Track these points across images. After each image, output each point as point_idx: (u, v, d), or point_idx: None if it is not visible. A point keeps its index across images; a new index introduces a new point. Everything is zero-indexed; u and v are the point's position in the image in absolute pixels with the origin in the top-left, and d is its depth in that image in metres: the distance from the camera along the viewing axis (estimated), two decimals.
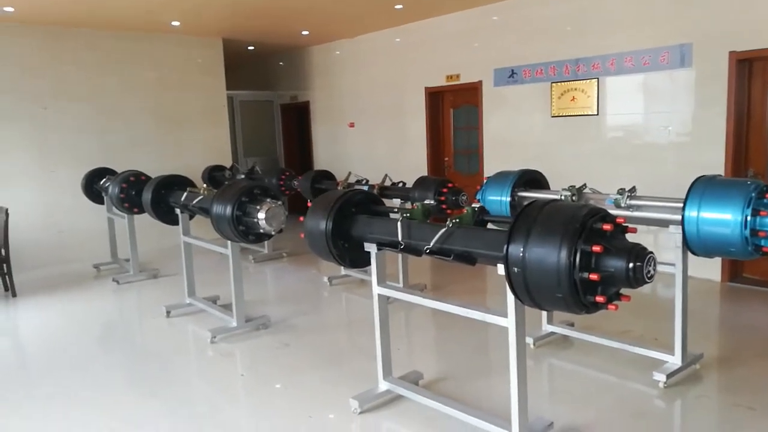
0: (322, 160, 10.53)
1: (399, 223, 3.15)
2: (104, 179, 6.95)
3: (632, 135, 6.27)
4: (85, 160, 7.64)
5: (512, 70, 7.25)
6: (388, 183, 5.74)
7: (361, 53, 9.41)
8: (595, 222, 2.34)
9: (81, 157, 7.72)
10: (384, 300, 3.50)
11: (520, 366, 2.80)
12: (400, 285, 5.62)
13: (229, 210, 4.21)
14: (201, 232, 5.98)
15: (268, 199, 4.20)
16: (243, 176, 7.72)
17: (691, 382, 3.69)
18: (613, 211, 3.74)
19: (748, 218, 3.10)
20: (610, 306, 2.38)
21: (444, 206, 5.02)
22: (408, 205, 5.18)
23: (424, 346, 4.70)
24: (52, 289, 6.56)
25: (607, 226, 2.32)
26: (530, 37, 7.02)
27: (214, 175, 8.21)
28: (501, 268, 2.63)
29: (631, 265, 2.28)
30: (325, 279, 6.25)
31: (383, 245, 3.26)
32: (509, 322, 2.76)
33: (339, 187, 6.03)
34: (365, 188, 5.82)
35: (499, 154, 7.53)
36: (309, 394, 3.73)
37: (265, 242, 7.49)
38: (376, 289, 3.45)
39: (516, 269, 2.45)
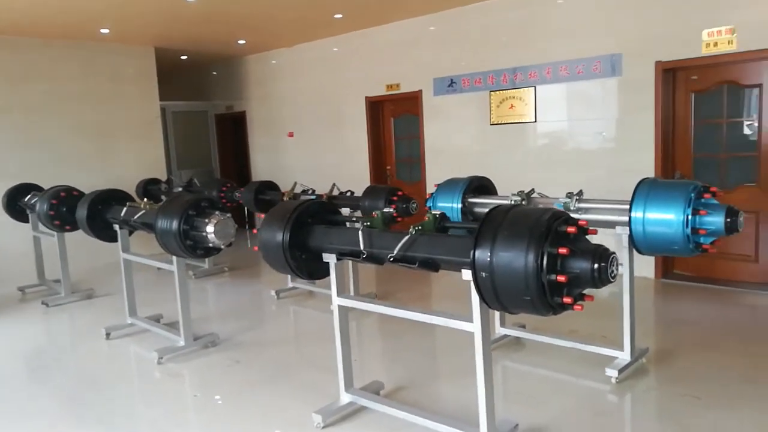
0: (260, 171, 10.33)
1: (360, 233, 3.12)
2: (30, 195, 6.52)
3: (567, 141, 6.52)
4: (5, 175, 7.14)
5: (451, 80, 7.38)
6: (336, 192, 5.69)
7: (299, 63, 9.32)
8: (559, 225, 2.40)
9: (0, 173, 7.22)
10: (344, 311, 3.45)
11: (487, 370, 2.82)
12: (352, 295, 5.57)
13: (175, 224, 4.04)
14: (136, 248, 5.70)
15: (217, 212, 4.06)
16: (180, 189, 7.45)
17: (640, 375, 3.85)
18: None
19: (689, 217, 3.27)
20: (575, 306, 2.44)
21: (395, 214, 5.02)
22: (357, 215, 5.18)
23: (379, 355, 4.68)
24: None
25: (571, 229, 2.38)
26: (469, 47, 7.18)
27: (149, 188, 7.89)
28: (466, 274, 2.65)
29: (595, 265, 2.35)
30: (272, 293, 6.11)
31: (344, 255, 3.22)
32: (474, 326, 2.78)
33: (284, 198, 5.93)
34: (313, 198, 5.75)
35: (441, 163, 7.63)
36: (267, 411, 3.62)
37: (205, 258, 7.26)
38: (336, 300, 3.40)
39: (484, 274, 2.47)
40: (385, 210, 3.26)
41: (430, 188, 7.43)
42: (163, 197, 7.76)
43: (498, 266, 2.43)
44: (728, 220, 3.27)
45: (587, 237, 2.53)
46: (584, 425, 3.27)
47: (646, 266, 6.04)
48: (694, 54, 5.53)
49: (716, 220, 3.28)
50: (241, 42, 8.80)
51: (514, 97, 6.84)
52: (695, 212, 3.28)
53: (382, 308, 3.27)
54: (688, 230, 3.29)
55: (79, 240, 6.39)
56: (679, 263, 6.10)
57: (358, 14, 7.31)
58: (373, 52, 8.22)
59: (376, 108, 8.48)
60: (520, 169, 6.78)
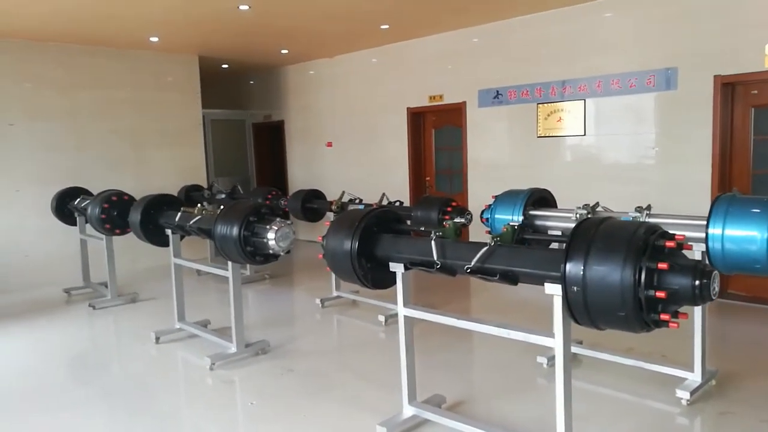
0: (297, 179, 10.36)
1: (433, 242, 3.06)
2: (79, 199, 6.60)
3: (617, 155, 6.40)
4: (52, 179, 7.24)
5: (497, 91, 7.33)
6: (385, 202, 5.65)
7: (340, 73, 9.36)
8: (656, 239, 2.32)
9: (48, 177, 7.33)
10: (410, 322, 3.39)
11: (567, 387, 2.73)
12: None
13: (236, 230, 4.02)
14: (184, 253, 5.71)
15: (278, 219, 4.04)
16: (224, 196, 7.48)
17: (709, 398, 3.71)
18: None
19: None
20: (671, 324, 2.35)
21: (445, 225, 4.95)
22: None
23: (435, 367, 4.59)
24: (20, 316, 6.13)
25: (670, 243, 2.30)
26: (515, 59, 7.12)
27: (191, 194, 7.93)
28: (549, 287, 2.58)
29: (697, 282, 2.26)
30: (317, 301, 6.08)
31: (415, 265, 3.16)
32: (557, 342, 2.70)
33: (333, 207, 5.91)
34: (361, 207, 5.71)
35: (483, 175, 7.56)
36: (329, 422, 3.56)
37: (247, 265, 7.26)
38: (402, 311, 3.35)
39: (575, 288, 2.40)
40: (457, 220, 3.20)
41: (473, 200, 7.42)
42: (206, 203, 7.79)
43: (592, 280, 2.35)
44: None
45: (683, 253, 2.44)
46: None
47: None
48: (755, 68, 5.40)
49: None
50: (284, 52, 8.85)
51: (562, 110, 6.75)
52: None
53: (456, 321, 3.19)
54: None
55: (122, 244, 6.46)
56: (734, 283, 5.93)
57: (403, 26, 7.31)
58: (416, 64, 8.21)
59: (417, 119, 8.45)
60: (566, 183, 6.65)
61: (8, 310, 6.36)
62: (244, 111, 11.18)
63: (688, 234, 3.57)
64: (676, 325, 2.36)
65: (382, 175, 8.79)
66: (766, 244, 3.15)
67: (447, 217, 4.98)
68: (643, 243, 2.30)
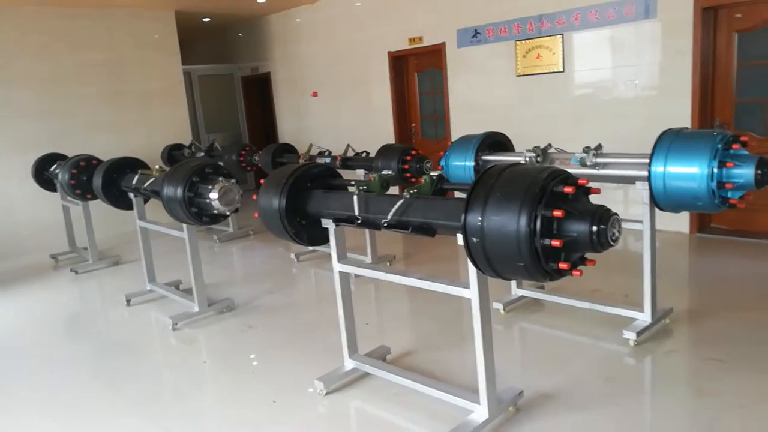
0: (286, 132, 10.24)
1: (355, 197, 2.98)
2: (55, 165, 6.62)
3: (599, 91, 6.14)
4: (34, 145, 7.24)
5: (475, 30, 7.03)
6: (351, 153, 5.54)
7: (322, 20, 9.06)
8: (556, 185, 2.21)
9: (29, 143, 7.33)
10: (345, 277, 3.35)
11: (486, 338, 2.69)
12: (368, 258, 5.49)
13: (180, 191, 3.99)
14: (159, 216, 5.72)
15: (221, 178, 3.98)
16: (202, 154, 7.44)
17: (662, 337, 3.64)
18: (580, 171, 3.64)
19: (715, 170, 3.00)
20: (574, 272, 2.26)
21: (408, 174, 4.86)
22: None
23: (393, 319, 4.59)
24: (7, 282, 6.27)
25: (568, 189, 2.18)
26: None
27: (173, 154, 7.91)
28: (461, 239, 2.50)
29: (594, 228, 2.16)
30: (293, 255, 6.08)
31: (340, 221, 3.10)
32: (472, 293, 2.64)
33: (300, 160, 5.82)
34: (328, 160, 5.63)
35: (466, 118, 7.35)
36: (275, 378, 3.60)
37: (230, 221, 7.29)
38: (337, 266, 3.30)
39: (474, 239, 2.31)
40: (384, 173, 3.10)
41: None
42: (162, 165, 7.78)
43: (489, 231, 2.26)
44: (759, 172, 2.98)
45: (589, 197, 2.32)
46: (594, 390, 3.11)
47: (681, 221, 5.72)
48: None
49: (745, 173, 3.00)
50: (260, 0, 8.57)
51: (540, 47, 6.46)
52: (722, 165, 3.00)
53: (379, 274, 3.15)
54: (714, 184, 3.01)
55: (106, 208, 6.47)
56: (717, 217, 5.75)
57: None
58: (395, 5, 7.89)
59: (399, 63, 8.20)
60: (550, 123, 6.46)
61: None
62: (232, 65, 10.98)
63: (635, 173, 3.44)
64: (579, 273, 2.27)
65: (368, 123, 8.62)
66: (706, 180, 3.00)
67: (407, 166, 4.87)
68: (540, 190, 2.18)
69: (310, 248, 6.15)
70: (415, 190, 2.80)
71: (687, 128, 3.31)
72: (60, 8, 7.57)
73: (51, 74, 7.67)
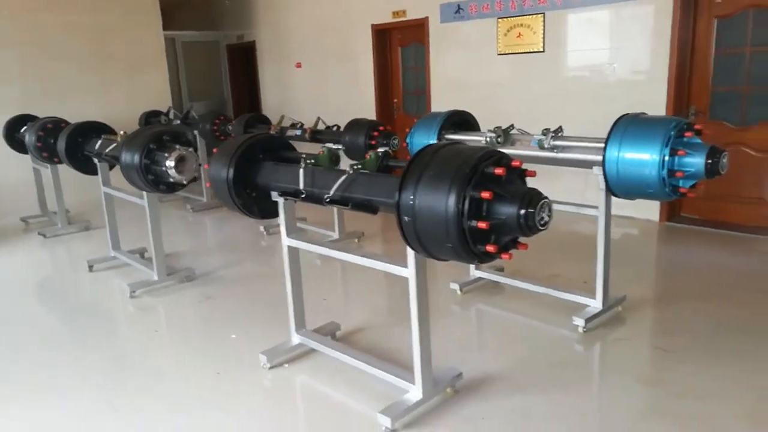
0: (270, 103, 10.11)
1: (301, 171, 2.93)
2: (25, 127, 6.50)
3: (578, 73, 6.06)
4: (5, 108, 7.10)
5: (458, 6, 6.90)
6: (321, 126, 5.47)
7: None
8: (487, 166, 2.16)
9: (2, 105, 7.20)
10: (294, 252, 3.32)
11: (422, 318, 2.67)
12: (336, 234, 5.46)
13: (137, 158, 3.93)
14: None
15: (178, 146, 3.92)
16: (178, 121, 7.34)
17: (614, 325, 3.64)
18: (538, 153, 3.60)
19: (666, 158, 2.96)
20: (503, 255, 2.24)
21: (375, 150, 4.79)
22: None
23: (352, 296, 4.59)
24: None
25: (499, 170, 2.14)
26: None
27: (150, 120, 7.79)
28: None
29: (522, 211, 2.12)
30: (262, 228, 6.04)
31: (286, 194, 3.05)
32: (409, 272, 2.61)
33: (271, 131, 5.74)
34: (298, 132, 5.55)
35: (447, 95, 7.26)
36: (224, 350, 3.59)
37: (205, 190, 7.23)
38: (285, 241, 3.28)
39: (407, 218, 2.28)
40: (332, 146, 3.04)
41: None
42: (124, 132, 7.66)
43: (420, 210, 2.22)
44: (709, 161, 2.94)
45: (525, 180, 2.29)
46: (537, 375, 3.11)
47: (651, 209, 5.69)
48: None
49: (696, 162, 2.96)
50: None
51: (522, 25, 6.35)
52: (673, 152, 2.96)
53: (323, 249, 3.12)
54: (664, 172, 2.98)
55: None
56: (687, 206, 5.73)
57: None
58: None
59: (382, 37, 8.06)
60: (530, 103, 6.38)
61: None
62: (217, 32, 10.79)
63: (592, 158, 3.39)
64: (508, 256, 2.25)
65: (351, 96, 8.51)
66: (657, 168, 2.96)
67: (373, 141, 4.81)
68: (470, 170, 2.14)
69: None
70: (359, 166, 2.75)
71: (644, 114, 3.25)
72: None
73: (27, 36, 7.51)
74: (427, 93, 7.54)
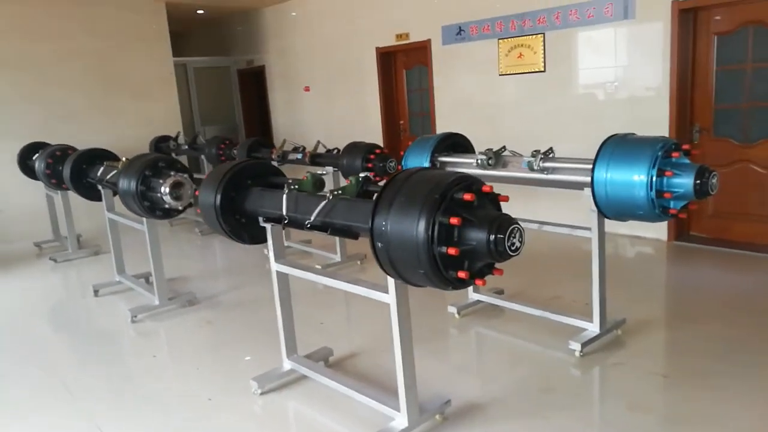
0: (281, 126, 10.24)
1: (284, 196, 2.95)
2: (37, 155, 6.66)
3: (578, 92, 6.03)
4: (19, 135, 7.27)
5: (460, 27, 6.94)
6: (322, 150, 5.51)
7: (314, 13, 9.02)
8: (457, 191, 2.15)
9: (15, 133, 7.38)
10: (283, 277, 3.33)
11: (404, 344, 2.65)
12: (338, 256, 5.47)
13: (133, 185, 4.00)
14: None
15: (172, 173, 3.98)
16: (186, 146, 7.45)
17: (612, 349, 3.56)
18: (527, 175, 3.57)
19: (654, 179, 2.91)
20: (477, 281, 2.21)
21: (372, 173, 4.79)
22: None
23: (348, 320, 4.56)
24: None
25: (467, 196, 2.13)
26: None
27: (160, 146, 7.94)
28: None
29: (492, 237, 2.10)
30: (265, 251, 6.04)
31: (270, 220, 3.07)
32: (390, 298, 2.60)
33: (273, 156, 5.81)
34: (299, 156, 5.60)
35: (451, 116, 7.28)
36: (217, 375, 3.59)
37: None
38: (274, 266, 3.29)
39: (380, 244, 2.27)
40: (318, 172, 3.06)
41: None
42: (173, 154, 7.82)
43: (392, 236, 2.22)
44: (698, 182, 2.89)
45: (498, 204, 2.27)
46: (530, 401, 3.05)
47: (659, 228, 5.60)
48: None
49: (684, 182, 2.91)
50: None
51: (522, 45, 6.36)
52: (660, 173, 2.91)
53: (310, 275, 3.12)
54: (653, 193, 2.93)
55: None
56: (696, 224, 5.62)
57: None
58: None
59: (387, 60, 8.14)
60: (531, 123, 6.37)
61: None
62: (228, 57, 10.99)
63: (582, 179, 3.36)
64: (481, 282, 2.23)
65: (358, 119, 8.59)
66: (645, 189, 2.92)
67: (370, 165, 4.83)
68: (440, 196, 2.13)
69: (285, 244, 6.13)
70: (339, 191, 2.76)
71: (633, 134, 3.22)
72: None
73: (41, 63, 7.73)
74: (432, 114, 7.56)
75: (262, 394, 3.27)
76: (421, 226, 2.12)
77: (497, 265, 2.28)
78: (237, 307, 4.79)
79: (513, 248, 2.12)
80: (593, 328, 3.57)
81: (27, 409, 3.34)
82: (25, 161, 6.90)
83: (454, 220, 2.08)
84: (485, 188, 2.20)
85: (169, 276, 5.32)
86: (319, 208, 2.75)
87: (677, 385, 3.11)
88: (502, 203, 2.29)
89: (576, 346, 3.43)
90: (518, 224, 2.14)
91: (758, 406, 2.84)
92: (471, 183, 2.20)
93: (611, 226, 5.51)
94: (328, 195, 2.74)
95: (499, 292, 4.36)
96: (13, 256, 6.86)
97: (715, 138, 5.35)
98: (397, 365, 2.67)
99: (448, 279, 2.18)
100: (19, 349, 4.21)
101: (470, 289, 4.26)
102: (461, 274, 2.15)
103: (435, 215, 2.11)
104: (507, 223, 2.12)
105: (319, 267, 5.25)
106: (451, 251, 2.08)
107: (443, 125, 7.35)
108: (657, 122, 5.37)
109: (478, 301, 4.25)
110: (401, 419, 2.73)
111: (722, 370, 3.20)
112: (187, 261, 6.35)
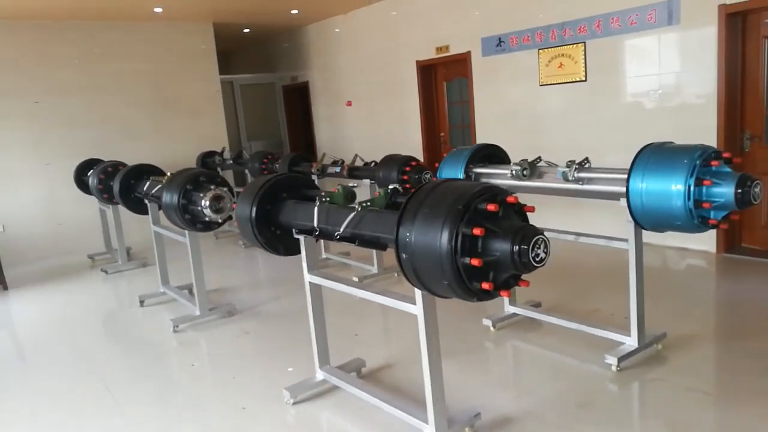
0: (324, 141, 10.39)
1: (316, 209, 3.00)
2: (91, 171, 6.98)
3: (621, 101, 5.90)
4: (78, 152, 7.66)
5: (499, 39, 6.91)
6: (359, 163, 5.57)
7: (355, 29, 9.17)
8: (480, 202, 2.15)
9: (75, 150, 7.77)
10: (316, 288, 3.38)
11: (432, 356, 2.64)
12: (375, 267, 5.50)
13: (175, 198, 4.14)
14: None
15: (213, 186, 4.10)
16: (231, 161, 7.66)
17: (652, 364, 3.45)
18: (563, 185, 3.52)
19: (692, 188, 2.82)
20: (502, 292, 2.19)
21: (408, 185, 4.83)
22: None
23: (383, 331, 4.57)
24: (45, 281, 6.68)
25: (491, 207, 2.12)
26: (515, 2, 6.67)
27: (206, 161, 8.19)
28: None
29: (516, 248, 2.08)
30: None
31: (303, 232, 3.13)
32: (417, 309, 2.60)
33: (313, 170, 5.90)
34: (338, 169, 5.68)
35: (491, 128, 7.23)
36: (253, 385, 3.66)
37: None
38: (307, 277, 3.34)
39: (404, 255, 2.28)
40: (349, 185, 3.10)
41: None
42: (219, 169, 8.06)
43: (416, 247, 2.23)
44: (739, 191, 2.78)
45: (525, 215, 2.25)
46: (563, 414, 2.98)
47: (708, 239, 5.39)
48: None
49: (725, 192, 2.81)
50: (294, 12, 8.78)
51: (563, 55, 6.28)
52: (699, 182, 2.82)
53: (342, 287, 3.15)
54: (691, 203, 2.84)
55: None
56: (748, 236, 5.39)
57: None
58: (422, 13, 7.88)
59: (427, 72, 8.17)
60: (573, 134, 6.26)
61: (37, 275, 6.93)
62: (273, 74, 11.26)
63: (617, 189, 3.28)
64: (506, 293, 2.20)
65: (399, 132, 8.64)
66: (683, 199, 2.83)
67: (406, 177, 4.85)
68: (463, 207, 2.13)
69: (324, 255, 6.23)
70: (368, 203, 2.78)
71: (671, 142, 3.13)
72: (97, 21, 8.01)
73: (90, 84, 8.11)
74: (472, 126, 7.54)
75: (294, 403, 3.31)
76: (445, 236, 2.12)
77: (524, 277, 2.25)
78: (275, 317, 4.88)
79: (537, 259, 2.10)
80: (631, 342, 3.46)
81: (71, 413, 3.49)
82: (80, 177, 7.24)
83: (477, 231, 2.07)
84: (510, 199, 2.18)
85: (211, 287, 5.50)
86: (348, 219, 2.78)
87: (718, 403, 2.99)
88: (533, 214, 2.26)
89: (613, 361, 3.34)
90: (543, 235, 2.11)
91: None
92: (496, 194, 2.19)
93: (658, 238, 5.41)
94: (357, 207, 2.77)
95: (537, 305, 4.29)
96: (69, 267, 7.18)
97: (766, 146, 5.13)
98: (425, 377, 2.67)
99: (472, 290, 2.17)
100: (67, 356, 4.40)
101: (506, 301, 4.21)
102: (485, 286, 2.13)
103: (458, 226, 2.10)
104: (531, 233, 2.10)
105: (356, 279, 5.31)
106: (475, 262, 2.08)
107: (483, 137, 7.30)
108: (705, 130, 5.19)
109: (515, 314, 4.19)
110: (429, 431, 2.71)
111: (764, 389, 3.05)
112: (230, 272, 6.50)
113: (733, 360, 3.44)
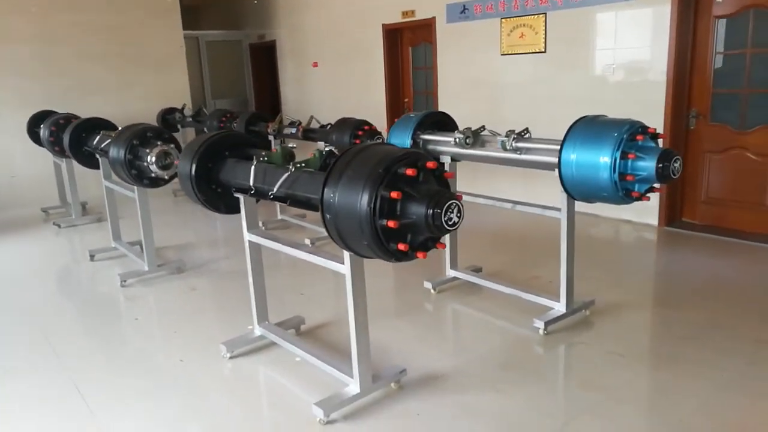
0: (289, 101, 10.30)
1: (252, 168, 3.03)
2: (43, 123, 6.82)
3: (578, 74, 5.97)
4: (33, 105, 7.45)
5: (464, 6, 6.89)
6: (315, 125, 5.57)
7: None
8: (401, 167, 2.21)
9: (28, 101, 7.57)
10: (256, 247, 3.42)
11: (359, 314, 2.73)
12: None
13: (122, 153, 4.11)
14: None
15: (159, 143, 4.08)
16: (190, 119, 7.57)
17: (578, 329, 3.61)
18: (502, 154, 3.60)
19: (617, 161, 2.93)
20: (418, 254, 2.28)
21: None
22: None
23: (330, 291, 4.66)
24: None
25: (409, 171, 2.18)
26: None
27: (167, 118, 8.07)
28: None
29: (429, 212, 2.16)
30: (260, 224, 6.17)
31: (240, 190, 3.16)
32: (345, 269, 2.67)
33: (269, 130, 5.88)
34: (293, 130, 5.67)
35: (454, 96, 7.26)
36: (193, 339, 3.72)
37: None
38: (246, 236, 3.38)
39: (328, 215, 2.34)
40: (287, 145, 3.13)
41: None
42: (179, 126, 7.95)
43: (339, 208, 2.29)
44: (660, 165, 2.90)
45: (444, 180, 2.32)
46: (486, 374, 3.13)
47: (650, 213, 5.58)
48: None
49: (647, 165, 2.92)
50: None
51: (524, 25, 6.30)
52: (624, 155, 2.93)
53: (279, 246, 3.20)
54: (616, 175, 2.95)
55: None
56: (689, 210, 5.59)
57: None
58: None
59: (393, 37, 8.11)
60: (531, 104, 6.33)
61: None
62: (240, 31, 11.05)
63: (552, 159, 3.37)
64: (423, 255, 2.29)
65: (363, 96, 8.60)
66: (609, 171, 2.94)
67: (358, 141, 4.88)
68: (384, 170, 2.19)
69: (279, 217, 6.27)
70: (303, 164, 2.82)
71: (604, 116, 3.22)
72: None
73: (52, 34, 7.88)
74: (434, 93, 7.56)
75: (231, 357, 3.39)
76: (365, 199, 2.18)
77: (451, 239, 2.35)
78: (224, 276, 4.93)
79: (450, 223, 2.18)
80: (560, 307, 3.62)
81: (7, 366, 3.51)
82: (33, 129, 7.08)
83: (394, 194, 2.14)
84: (429, 164, 2.24)
85: (165, 244, 5.52)
86: (282, 179, 2.82)
87: (631, 365, 3.16)
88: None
89: (540, 324, 3.49)
90: (456, 200, 2.19)
91: (703, 392, 2.87)
92: (416, 159, 2.25)
93: (602, 209, 5.55)
94: (290, 167, 2.81)
95: (478, 270, 4.41)
96: (22, 220, 7.08)
97: (712, 124, 5.28)
98: (351, 334, 2.76)
99: (390, 251, 2.25)
100: (12, 308, 4.40)
101: (448, 265, 4.32)
102: (401, 246, 2.21)
103: (378, 189, 2.17)
104: (445, 198, 2.17)
105: (308, 240, 5.38)
106: (391, 224, 2.15)
107: (446, 104, 7.33)
108: (654, 106, 5.31)
109: (455, 278, 4.31)
110: (354, 386, 2.83)
111: (679, 354, 3.23)
112: (186, 231, 6.50)
113: (655, 327, 3.63)
